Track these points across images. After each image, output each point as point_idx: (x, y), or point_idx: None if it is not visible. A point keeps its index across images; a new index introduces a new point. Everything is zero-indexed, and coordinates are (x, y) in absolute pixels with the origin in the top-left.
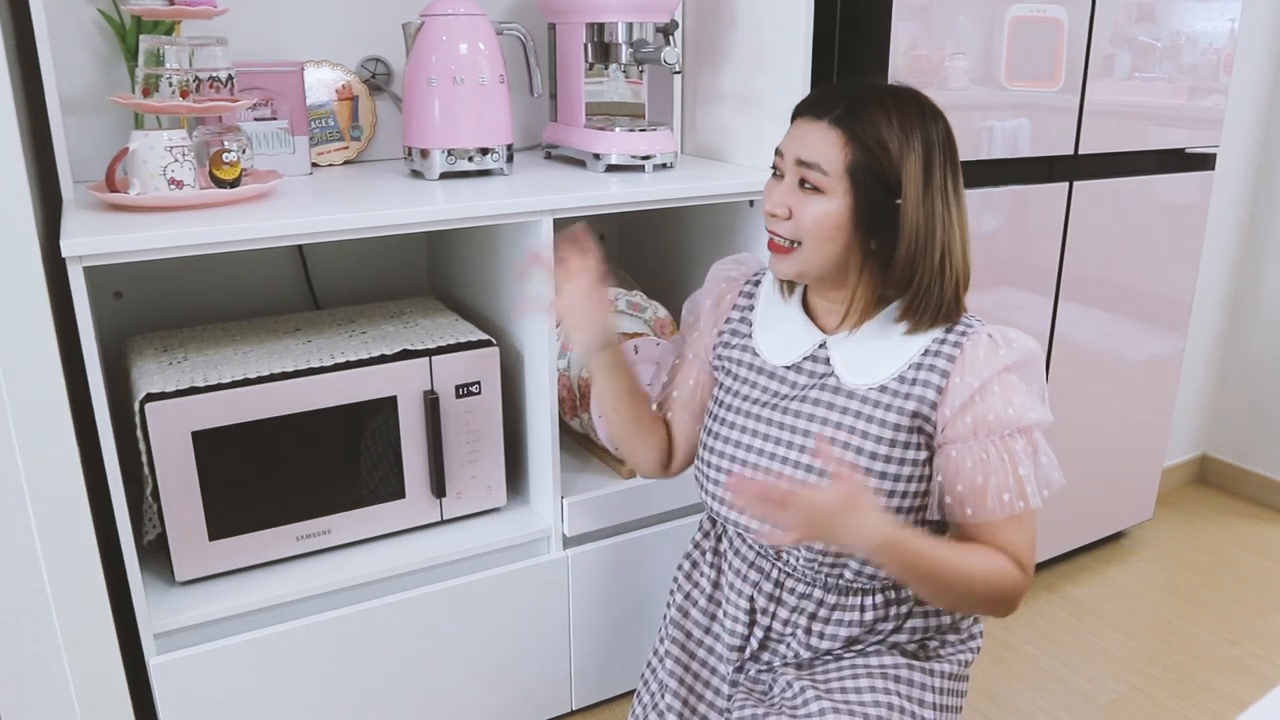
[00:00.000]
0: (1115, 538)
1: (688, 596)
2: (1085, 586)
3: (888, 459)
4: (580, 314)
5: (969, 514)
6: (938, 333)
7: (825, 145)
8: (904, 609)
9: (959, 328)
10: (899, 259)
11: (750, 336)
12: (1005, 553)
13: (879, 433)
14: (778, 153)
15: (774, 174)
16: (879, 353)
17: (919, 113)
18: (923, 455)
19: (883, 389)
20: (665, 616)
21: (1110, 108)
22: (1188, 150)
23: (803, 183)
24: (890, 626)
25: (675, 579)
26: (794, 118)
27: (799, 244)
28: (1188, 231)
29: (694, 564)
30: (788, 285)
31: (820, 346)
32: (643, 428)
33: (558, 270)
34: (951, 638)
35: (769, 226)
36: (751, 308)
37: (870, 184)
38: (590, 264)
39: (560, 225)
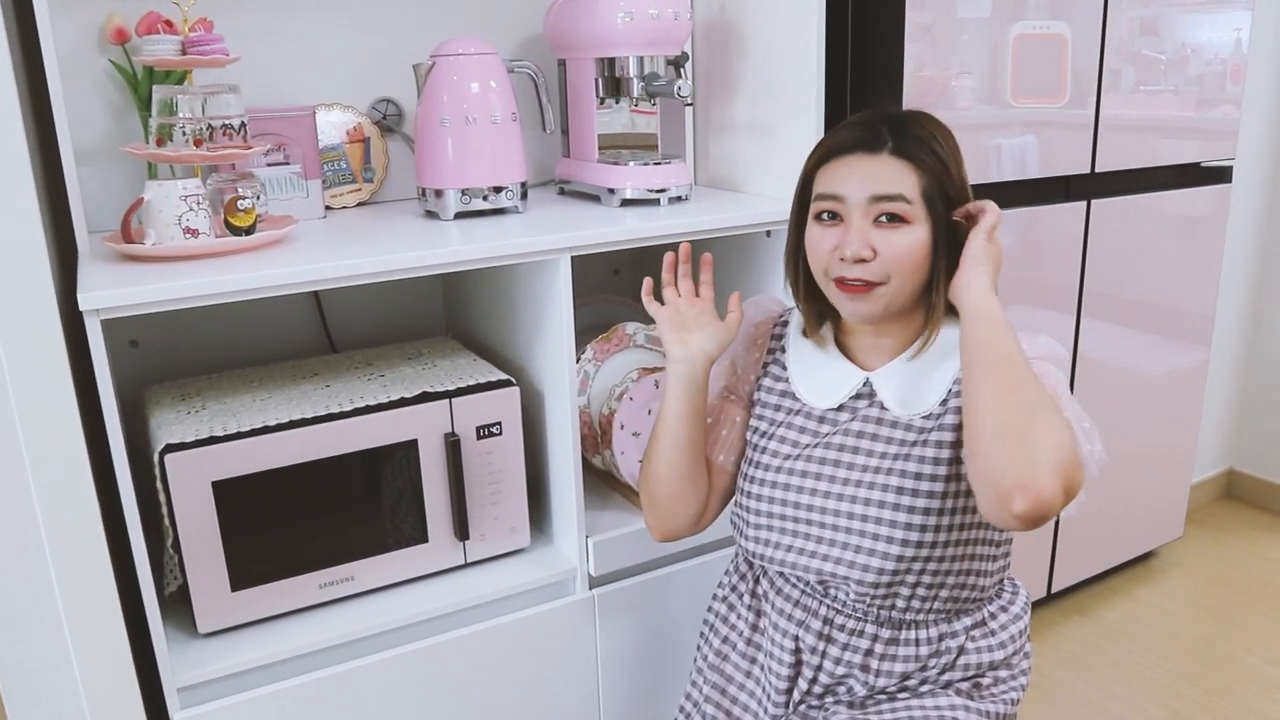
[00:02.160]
0: (1145, 558)
1: (725, 640)
2: (1118, 609)
3: (949, 478)
4: (695, 319)
5: None
6: None
7: (898, 175)
8: (958, 642)
9: None
10: None
11: (787, 380)
12: None
13: (936, 455)
14: (831, 197)
15: (824, 219)
16: (922, 381)
17: (941, 128)
18: None
19: (928, 415)
20: (697, 660)
21: (1123, 122)
22: (1203, 164)
23: (880, 218)
24: (945, 661)
25: (708, 621)
26: (830, 158)
27: (884, 282)
28: (1207, 245)
29: (730, 606)
30: (815, 326)
31: (864, 385)
32: (697, 470)
33: (668, 290)
34: (1004, 674)
35: (844, 273)
36: (783, 349)
37: (938, 204)
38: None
39: (578, 263)
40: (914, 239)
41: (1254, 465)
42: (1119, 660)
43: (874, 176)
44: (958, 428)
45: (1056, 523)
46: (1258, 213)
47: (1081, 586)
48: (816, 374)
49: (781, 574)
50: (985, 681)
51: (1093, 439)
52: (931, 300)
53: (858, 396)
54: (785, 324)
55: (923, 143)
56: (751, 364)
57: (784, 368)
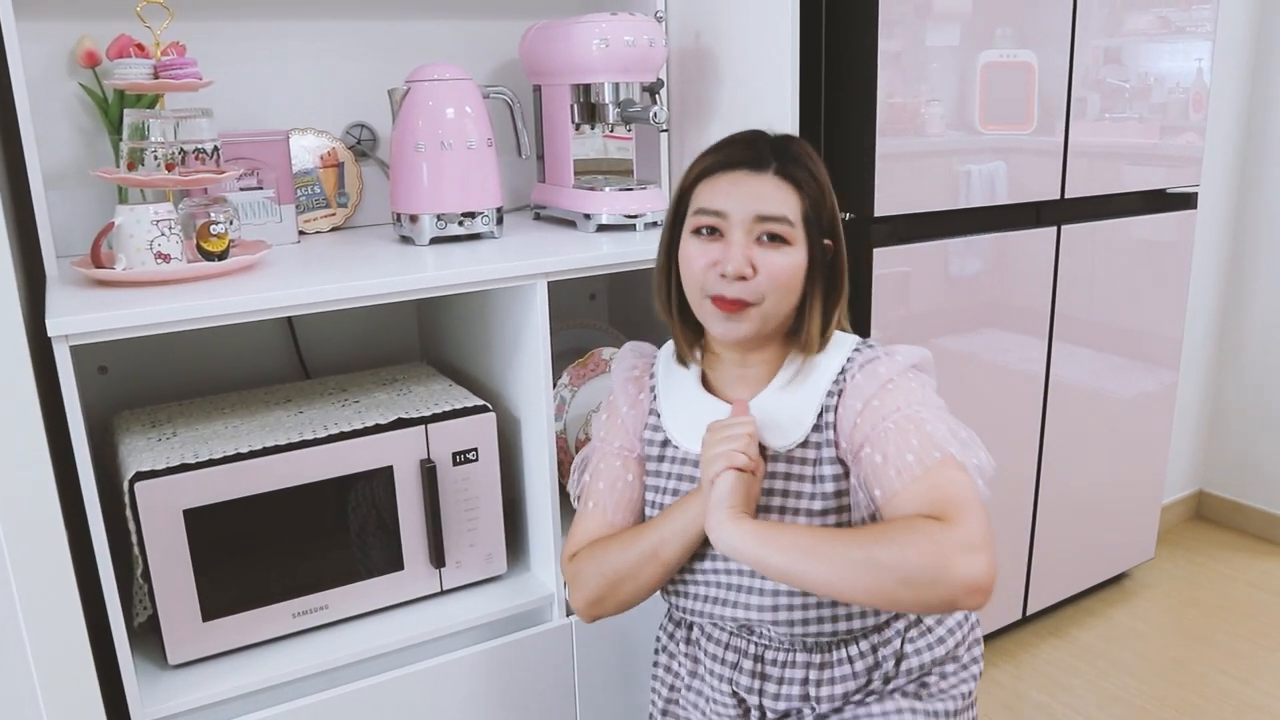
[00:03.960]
0: (1118, 579)
1: (672, 688)
2: (1092, 630)
3: (839, 510)
4: None
5: (878, 496)
6: (834, 374)
7: (782, 196)
8: (893, 649)
9: (849, 363)
10: (843, 298)
11: (661, 428)
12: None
13: (814, 489)
14: (713, 213)
15: (703, 234)
16: (790, 410)
17: (816, 155)
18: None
19: (805, 444)
20: (654, 705)
21: (1090, 149)
22: (1168, 190)
23: (762, 237)
24: (886, 670)
25: (654, 673)
26: (713, 173)
27: (759, 302)
28: (1174, 269)
29: (670, 655)
30: (689, 349)
31: None
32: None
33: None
34: (951, 668)
35: (723, 291)
36: (655, 396)
37: (815, 229)
38: None
39: (554, 288)
40: (793, 260)
41: (1223, 487)
42: (1094, 681)
43: (758, 195)
44: (836, 457)
45: (1031, 545)
46: (1222, 238)
47: (1056, 608)
48: (685, 412)
49: (712, 622)
50: (932, 679)
51: (975, 450)
52: (799, 327)
53: None
54: (653, 370)
55: (804, 167)
56: (636, 417)
57: (658, 415)
